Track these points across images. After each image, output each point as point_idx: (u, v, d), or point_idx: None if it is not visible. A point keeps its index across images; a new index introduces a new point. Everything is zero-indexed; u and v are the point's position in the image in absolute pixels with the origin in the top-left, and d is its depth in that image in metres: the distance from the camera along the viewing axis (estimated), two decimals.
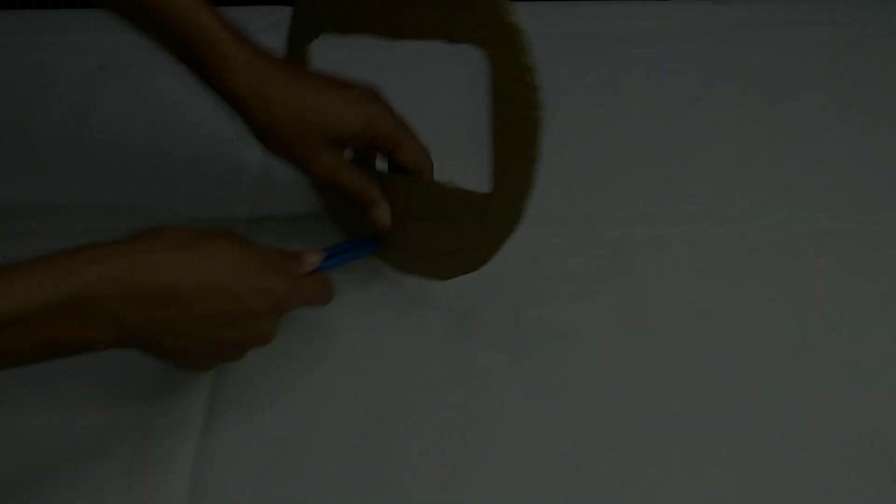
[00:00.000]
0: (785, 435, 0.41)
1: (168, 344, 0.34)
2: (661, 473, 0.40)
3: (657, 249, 0.49)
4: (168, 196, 0.52)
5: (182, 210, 0.51)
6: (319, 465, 0.40)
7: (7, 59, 0.61)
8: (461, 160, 0.44)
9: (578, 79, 0.60)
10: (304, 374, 0.43)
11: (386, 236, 0.45)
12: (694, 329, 0.45)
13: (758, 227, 0.50)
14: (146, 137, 0.56)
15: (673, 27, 0.64)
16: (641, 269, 0.48)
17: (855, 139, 0.56)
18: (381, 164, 0.45)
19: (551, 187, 0.51)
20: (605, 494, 0.39)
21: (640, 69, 0.61)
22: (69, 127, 0.56)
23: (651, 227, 0.50)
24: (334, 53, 0.63)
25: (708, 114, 0.57)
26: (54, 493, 0.39)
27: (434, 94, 0.59)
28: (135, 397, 0.42)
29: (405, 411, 0.42)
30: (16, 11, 0.65)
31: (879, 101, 0.59)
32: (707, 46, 0.63)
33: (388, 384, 0.43)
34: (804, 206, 0.51)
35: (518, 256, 0.49)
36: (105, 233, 0.50)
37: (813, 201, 0.52)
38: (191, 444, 0.40)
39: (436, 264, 0.44)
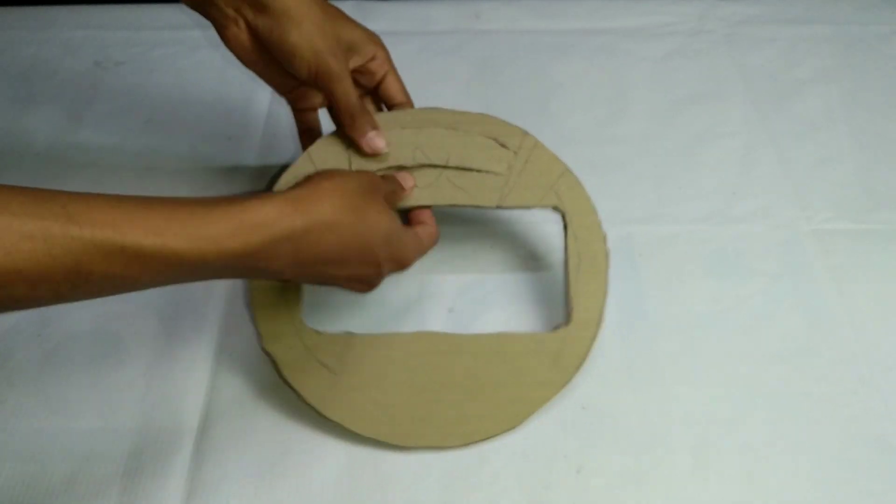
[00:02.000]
0: (789, 435, 0.41)
1: (305, 282, 0.39)
2: (664, 476, 0.39)
3: (662, 249, 0.49)
4: (165, 193, 0.51)
5: None
6: (316, 469, 0.40)
7: (3, 55, 0.61)
8: None
9: (582, 76, 0.60)
10: None
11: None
12: (698, 329, 0.45)
13: (763, 226, 0.50)
14: (142, 135, 0.55)
15: (677, 24, 0.64)
16: (646, 269, 0.48)
17: (861, 138, 0.56)
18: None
19: None
20: (608, 498, 0.39)
21: (643, 66, 0.61)
22: (65, 124, 0.56)
23: (656, 227, 0.50)
24: None
25: (712, 112, 0.57)
26: (49, 496, 0.38)
27: (433, 93, 0.58)
28: (131, 401, 0.42)
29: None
30: (11, 8, 0.65)
31: (885, 100, 0.58)
32: (712, 44, 0.62)
33: None
34: (809, 205, 0.51)
35: (520, 256, 0.49)
36: None
37: (818, 200, 0.51)
38: (187, 447, 0.40)
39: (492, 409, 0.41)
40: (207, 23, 0.69)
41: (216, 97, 0.58)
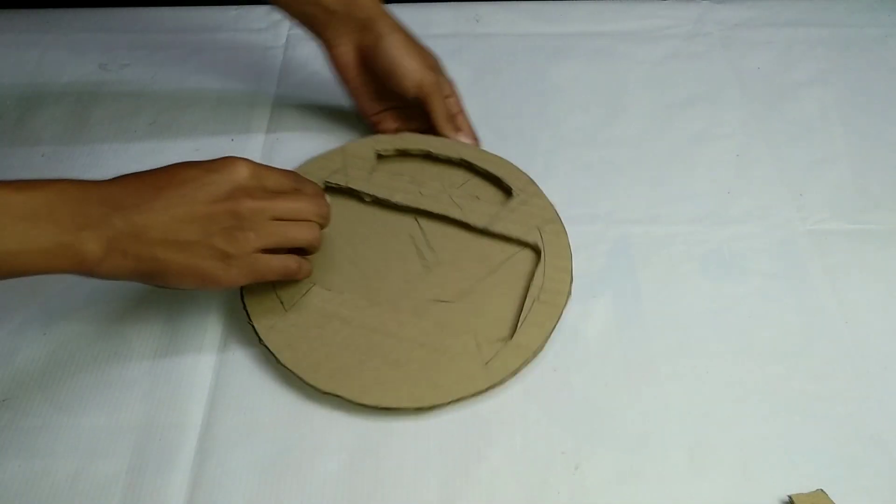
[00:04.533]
0: (785, 434, 0.41)
1: (158, 255, 0.36)
2: (661, 473, 0.40)
3: (659, 249, 0.49)
4: None
5: None
6: (318, 466, 0.40)
7: (8, 57, 0.61)
8: None
9: (580, 79, 0.60)
10: None
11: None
12: (695, 329, 0.45)
13: (759, 226, 0.50)
14: (146, 136, 0.56)
15: (674, 27, 0.64)
16: (643, 269, 0.48)
17: (856, 139, 0.56)
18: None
19: (553, 187, 0.51)
20: (605, 495, 0.39)
21: (641, 69, 0.61)
22: (70, 125, 0.56)
23: (653, 227, 0.50)
24: None
25: (709, 113, 0.58)
26: (54, 493, 0.39)
27: None
28: (135, 398, 0.42)
29: (404, 413, 0.42)
30: (17, 10, 0.65)
31: (880, 101, 0.59)
32: (708, 46, 0.63)
33: None
34: (805, 206, 0.51)
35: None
36: None
37: (814, 201, 0.52)
38: (190, 443, 0.40)
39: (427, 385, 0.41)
40: (211, 26, 0.69)
41: (219, 99, 0.58)
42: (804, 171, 0.54)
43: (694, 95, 0.59)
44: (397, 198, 0.48)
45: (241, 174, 0.39)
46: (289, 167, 0.53)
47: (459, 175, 0.50)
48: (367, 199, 0.49)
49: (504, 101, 0.59)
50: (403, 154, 0.51)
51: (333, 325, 0.43)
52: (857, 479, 0.39)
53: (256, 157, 0.54)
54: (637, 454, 0.40)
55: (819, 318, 0.46)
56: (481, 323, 0.43)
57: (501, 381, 0.41)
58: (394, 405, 0.40)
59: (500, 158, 0.51)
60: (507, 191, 0.49)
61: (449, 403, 0.41)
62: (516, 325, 0.43)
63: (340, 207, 0.48)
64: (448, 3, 0.66)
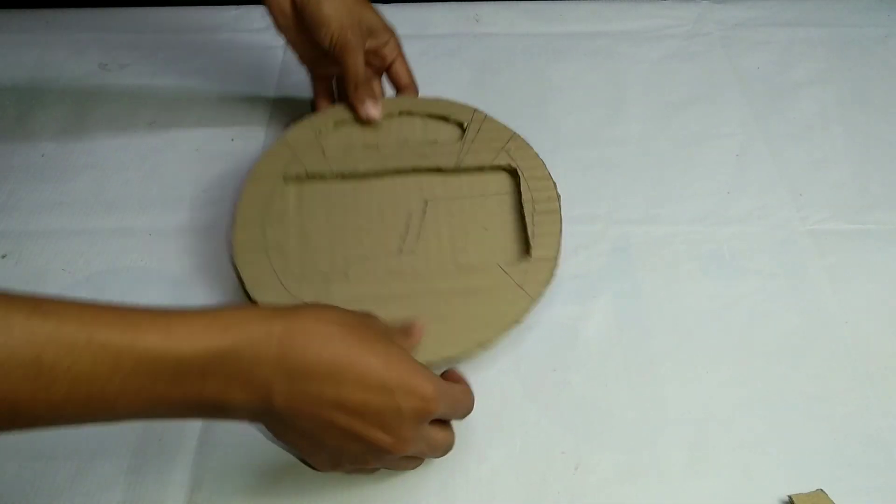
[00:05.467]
0: (784, 433, 0.41)
1: (302, 427, 0.31)
2: (661, 473, 0.40)
3: (658, 249, 0.49)
4: (169, 194, 0.52)
5: (183, 207, 0.51)
6: None
7: (8, 57, 0.61)
8: None
9: (580, 78, 0.60)
10: None
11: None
12: (695, 329, 0.45)
13: (759, 226, 0.50)
14: (146, 136, 0.56)
15: (674, 27, 0.65)
16: (643, 269, 0.48)
17: (855, 139, 0.56)
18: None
19: None
20: (605, 495, 0.39)
21: (641, 69, 0.61)
22: (70, 125, 0.56)
23: (652, 227, 0.50)
24: None
25: (709, 114, 0.58)
26: (54, 493, 0.39)
27: (433, 95, 0.59)
28: None
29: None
30: (17, 10, 0.65)
31: (879, 101, 0.59)
32: (708, 46, 0.63)
33: None
34: (805, 206, 0.52)
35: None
36: (103, 232, 0.50)
37: (814, 201, 0.52)
38: (191, 443, 0.40)
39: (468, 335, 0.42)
40: (211, 26, 0.70)
41: (219, 99, 0.58)
42: (804, 171, 0.54)
43: (693, 95, 0.59)
44: (362, 168, 0.48)
45: (410, 406, 0.32)
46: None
47: (407, 125, 0.50)
48: (334, 177, 0.48)
49: (503, 101, 0.59)
50: (344, 123, 0.50)
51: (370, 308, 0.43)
52: (857, 479, 0.39)
53: (256, 157, 0.54)
54: (637, 454, 0.40)
55: (819, 318, 0.46)
56: (497, 252, 0.45)
57: (540, 296, 0.43)
58: (458, 351, 0.41)
59: (438, 99, 0.51)
60: (458, 125, 0.50)
61: (505, 332, 0.42)
62: (527, 241, 0.45)
63: (313, 194, 0.47)
64: (447, 3, 0.67)
